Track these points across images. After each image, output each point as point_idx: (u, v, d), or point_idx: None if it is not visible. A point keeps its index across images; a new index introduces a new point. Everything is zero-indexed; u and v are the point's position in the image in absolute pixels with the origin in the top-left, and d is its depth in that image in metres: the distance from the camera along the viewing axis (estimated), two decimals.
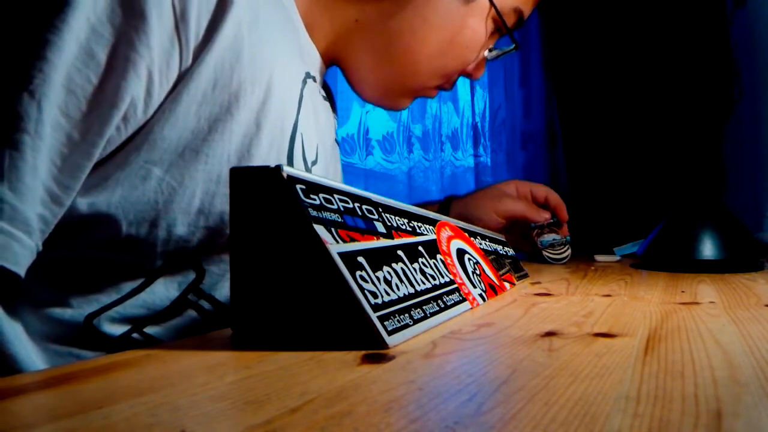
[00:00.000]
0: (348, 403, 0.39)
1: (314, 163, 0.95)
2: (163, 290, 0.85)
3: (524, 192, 1.56)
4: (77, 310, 0.83)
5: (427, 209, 1.46)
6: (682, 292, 0.98)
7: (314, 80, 1.03)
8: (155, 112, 0.79)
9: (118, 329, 0.84)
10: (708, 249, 1.35)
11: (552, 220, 1.59)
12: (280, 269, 0.58)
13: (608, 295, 0.94)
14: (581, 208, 2.58)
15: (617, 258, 1.73)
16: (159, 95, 0.78)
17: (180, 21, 0.77)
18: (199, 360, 0.54)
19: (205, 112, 0.82)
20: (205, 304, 0.87)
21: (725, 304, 0.84)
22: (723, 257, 1.34)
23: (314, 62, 1.07)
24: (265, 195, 0.58)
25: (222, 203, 0.83)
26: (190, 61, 0.80)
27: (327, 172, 1.04)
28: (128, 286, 0.84)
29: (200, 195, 0.82)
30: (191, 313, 0.87)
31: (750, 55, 2.18)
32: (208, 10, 0.80)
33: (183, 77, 0.80)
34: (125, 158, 0.79)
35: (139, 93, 0.76)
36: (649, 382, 0.44)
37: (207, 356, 0.55)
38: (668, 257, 1.40)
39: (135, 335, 0.85)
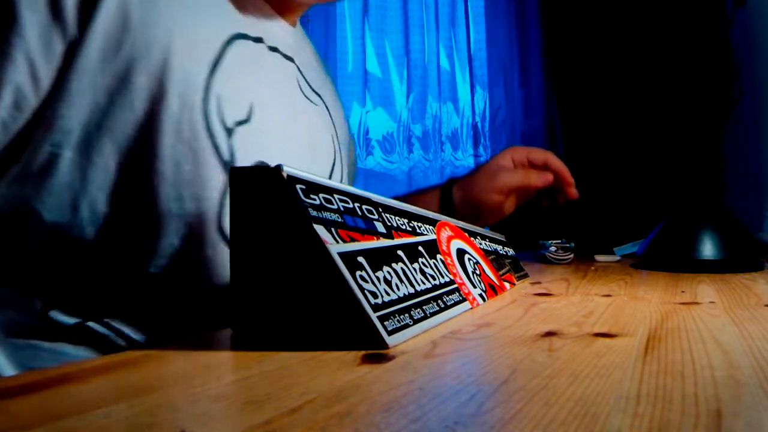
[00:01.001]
0: (348, 403, 0.39)
1: (242, 122, 0.92)
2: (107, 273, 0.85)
3: (521, 159, 1.48)
4: (29, 302, 0.83)
5: (427, 195, 1.45)
6: (682, 292, 0.98)
7: (257, 40, 1.01)
8: (50, 93, 0.80)
9: (71, 319, 0.84)
10: (708, 249, 1.35)
11: (560, 242, 1.59)
12: (280, 269, 0.58)
13: (608, 295, 0.94)
14: (581, 207, 2.58)
15: (617, 258, 1.73)
16: (47, 75, 0.79)
17: None
18: (198, 360, 0.54)
19: (101, 84, 0.81)
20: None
21: (725, 304, 0.84)
22: (723, 257, 1.34)
23: (257, 23, 1.04)
24: (265, 195, 0.58)
25: (142, 175, 0.83)
26: (75, 32, 0.79)
27: (277, 130, 1.00)
28: (72, 274, 0.84)
29: (115, 169, 0.82)
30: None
31: (750, 56, 2.18)
32: None
33: (72, 51, 0.80)
34: (33, 148, 0.80)
35: (21, 78, 0.77)
36: (649, 382, 0.44)
37: (207, 356, 0.56)
38: (668, 257, 1.40)
39: (91, 324, 0.84)
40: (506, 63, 2.73)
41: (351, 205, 0.66)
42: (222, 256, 0.86)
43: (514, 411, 0.38)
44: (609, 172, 2.60)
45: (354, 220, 0.64)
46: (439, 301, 0.72)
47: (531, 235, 1.83)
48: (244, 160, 0.89)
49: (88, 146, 0.81)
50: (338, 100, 1.37)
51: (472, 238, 1.01)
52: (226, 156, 0.87)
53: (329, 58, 2.54)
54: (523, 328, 0.66)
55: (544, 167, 1.50)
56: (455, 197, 1.43)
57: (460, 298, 0.79)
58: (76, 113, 0.80)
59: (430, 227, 0.85)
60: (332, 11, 2.56)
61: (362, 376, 0.47)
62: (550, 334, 0.63)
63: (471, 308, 0.80)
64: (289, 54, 1.10)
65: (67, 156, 0.80)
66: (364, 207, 0.68)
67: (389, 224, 0.72)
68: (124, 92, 0.81)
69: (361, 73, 2.58)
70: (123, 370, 0.51)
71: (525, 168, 1.47)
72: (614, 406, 0.39)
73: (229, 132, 0.89)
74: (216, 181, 0.86)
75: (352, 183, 1.37)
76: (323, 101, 1.20)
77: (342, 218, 0.62)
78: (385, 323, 0.57)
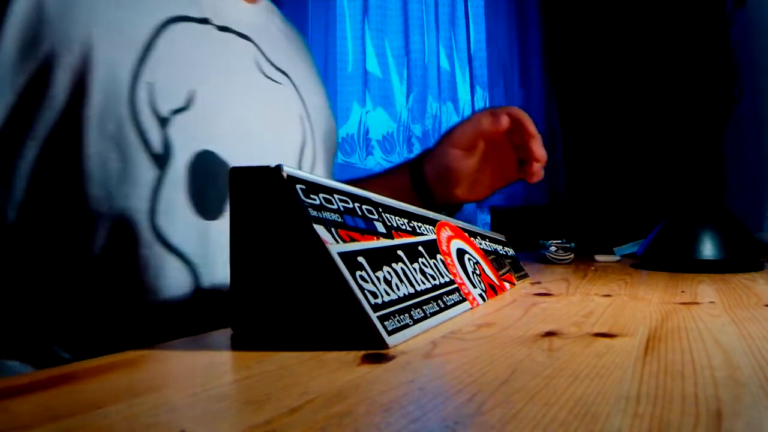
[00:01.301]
0: (348, 403, 0.39)
1: (180, 110, 0.88)
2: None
3: (482, 114, 1.41)
4: None
5: (395, 175, 1.39)
6: (682, 292, 0.98)
7: (202, 21, 0.97)
8: None
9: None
10: (708, 249, 1.35)
11: (560, 242, 1.59)
12: (280, 269, 0.58)
13: (608, 295, 0.94)
14: (581, 208, 2.58)
15: (617, 258, 1.73)
16: None
17: None
18: (198, 360, 0.54)
19: (19, 83, 0.80)
20: None
21: (725, 304, 0.84)
22: (723, 257, 1.34)
23: (204, 2, 0.99)
24: (265, 195, 0.58)
25: (68, 176, 0.81)
26: None
27: (227, 115, 0.96)
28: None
29: (39, 171, 0.81)
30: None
31: (750, 56, 2.18)
32: None
33: None
34: None
35: None
36: (649, 382, 0.44)
37: (207, 356, 0.56)
38: (668, 257, 1.40)
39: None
40: (506, 63, 2.74)
41: (351, 205, 0.66)
42: (157, 256, 0.85)
43: (514, 411, 0.38)
44: (609, 171, 2.60)
45: (354, 220, 0.64)
46: (439, 301, 0.72)
47: (531, 235, 1.83)
48: (183, 149, 0.87)
49: (10, 149, 0.80)
50: (315, 76, 1.32)
51: (472, 238, 1.01)
52: (157, 149, 0.85)
53: (329, 58, 2.55)
54: (523, 328, 0.66)
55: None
56: (426, 171, 1.33)
57: (460, 298, 0.79)
58: None
59: (430, 227, 0.85)
60: (332, 11, 2.56)
61: (362, 376, 0.47)
62: (550, 334, 0.63)
63: (471, 308, 0.80)
64: (245, 32, 1.06)
65: None
66: (364, 207, 0.68)
67: (389, 224, 0.72)
68: (44, 91, 0.80)
69: (361, 73, 2.59)
70: (123, 370, 0.51)
71: (482, 116, 1.31)
72: (614, 406, 0.39)
73: (164, 122, 0.86)
74: (146, 177, 0.84)
75: (331, 164, 1.34)
76: (290, 79, 1.15)
77: (342, 218, 0.62)
78: (385, 323, 0.57)
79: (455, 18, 2.76)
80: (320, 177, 0.63)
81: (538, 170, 1.28)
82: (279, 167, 0.57)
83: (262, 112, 1.03)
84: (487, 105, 2.74)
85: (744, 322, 0.70)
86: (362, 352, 0.54)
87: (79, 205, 0.81)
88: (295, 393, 0.42)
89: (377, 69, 2.64)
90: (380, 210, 0.72)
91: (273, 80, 1.09)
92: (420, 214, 0.84)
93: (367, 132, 2.58)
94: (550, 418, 0.37)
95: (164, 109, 0.86)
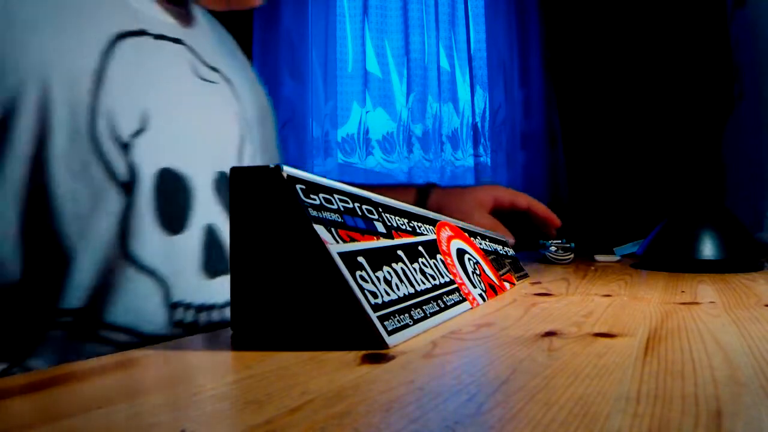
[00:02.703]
0: (348, 403, 0.39)
1: (138, 132, 0.87)
2: None
3: (503, 202, 1.51)
4: None
5: (403, 191, 1.43)
6: (682, 292, 0.98)
7: (139, 34, 0.93)
8: None
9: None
10: (708, 249, 1.35)
11: (560, 242, 1.59)
12: (280, 269, 0.58)
13: (608, 295, 0.94)
14: (581, 208, 2.58)
15: (617, 258, 1.73)
16: None
17: None
18: (199, 360, 0.54)
19: None
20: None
21: (725, 304, 0.84)
22: (723, 257, 1.34)
23: (137, 12, 0.96)
24: (265, 195, 0.58)
25: (41, 217, 0.81)
26: None
27: (181, 126, 0.95)
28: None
29: (14, 217, 0.80)
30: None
31: (750, 55, 2.17)
32: None
33: None
34: None
35: None
36: (649, 382, 0.44)
37: (207, 356, 0.56)
38: (668, 257, 1.40)
39: (15, 370, 0.82)
40: (506, 63, 2.74)
41: (351, 205, 0.66)
42: (134, 281, 0.85)
43: (514, 411, 0.38)
44: (609, 171, 2.61)
45: (354, 220, 0.64)
46: (439, 301, 0.72)
47: (531, 235, 1.83)
48: (146, 170, 0.87)
49: None
50: (245, 66, 1.31)
51: (472, 238, 1.01)
52: (123, 176, 0.84)
53: (329, 58, 2.55)
54: (523, 328, 0.66)
55: (527, 212, 1.53)
56: (431, 203, 1.42)
57: (460, 298, 0.79)
58: None
59: (430, 227, 0.85)
60: (332, 11, 2.56)
61: (362, 376, 0.47)
62: (550, 334, 0.63)
63: (471, 308, 0.80)
64: (176, 36, 1.02)
65: None
66: (364, 207, 0.68)
67: (389, 224, 0.72)
68: (8, 139, 0.79)
69: (361, 74, 2.59)
70: (123, 370, 0.51)
71: (496, 221, 1.47)
72: (614, 406, 0.39)
73: (126, 148, 0.86)
74: (114, 205, 0.84)
75: (277, 152, 1.34)
76: (222, 75, 1.12)
77: (342, 218, 0.62)
78: (385, 323, 0.57)
79: (455, 18, 2.75)
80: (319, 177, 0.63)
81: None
82: (279, 167, 0.57)
83: (202, 116, 1.02)
84: (488, 105, 2.74)
85: (744, 322, 0.70)
86: (362, 352, 0.54)
87: (56, 244, 0.81)
88: (295, 393, 0.42)
89: (377, 69, 2.64)
90: (380, 210, 0.72)
91: (207, 80, 1.07)
92: (420, 214, 0.84)
93: (367, 132, 2.58)
94: (550, 418, 0.37)
95: (126, 135, 0.86)
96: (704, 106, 2.44)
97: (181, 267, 0.90)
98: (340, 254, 0.57)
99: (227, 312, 0.89)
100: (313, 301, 0.57)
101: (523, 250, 1.66)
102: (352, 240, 0.61)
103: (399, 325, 0.59)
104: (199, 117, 1.00)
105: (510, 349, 0.56)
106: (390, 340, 0.56)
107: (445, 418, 0.37)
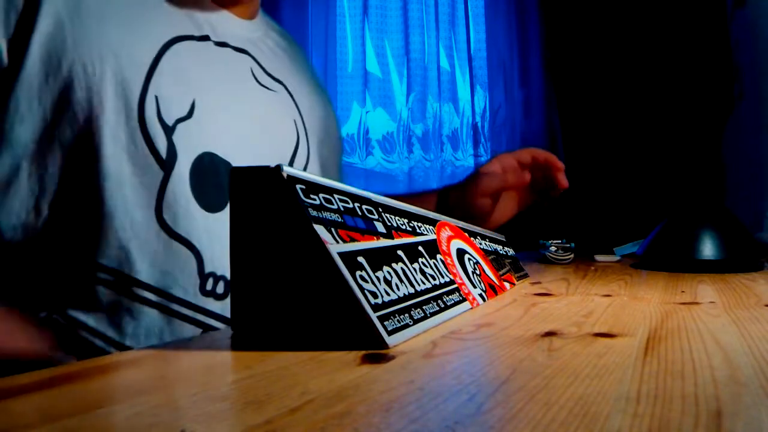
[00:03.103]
0: (348, 403, 0.39)
1: (183, 119, 0.99)
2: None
3: (508, 164, 1.47)
4: None
5: (425, 197, 1.46)
6: (682, 292, 0.98)
7: (201, 39, 1.09)
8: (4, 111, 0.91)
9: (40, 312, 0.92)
10: (708, 249, 1.35)
11: (560, 242, 1.59)
12: (280, 269, 0.58)
13: (608, 295, 0.94)
14: (581, 208, 2.58)
15: (617, 258, 1.73)
16: None
17: None
18: (199, 360, 0.54)
19: (47, 102, 0.92)
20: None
21: (725, 304, 0.84)
22: (723, 257, 1.34)
23: (203, 22, 1.11)
24: (265, 195, 0.58)
25: (88, 177, 0.92)
26: (5, 61, 0.91)
27: (224, 120, 1.07)
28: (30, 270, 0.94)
29: (63, 174, 0.92)
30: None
31: (750, 55, 2.17)
32: (16, 12, 0.92)
33: (8, 77, 0.91)
34: None
35: None
36: (649, 382, 0.44)
37: (207, 356, 0.56)
38: (668, 257, 1.40)
39: (56, 316, 0.91)
40: (506, 63, 2.73)
41: (351, 205, 0.66)
42: (164, 244, 0.94)
43: (514, 411, 0.38)
44: (609, 171, 2.60)
45: (354, 220, 0.64)
46: (439, 301, 0.72)
47: (531, 235, 1.83)
48: (185, 153, 0.97)
49: (42, 157, 0.92)
50: (312, 83, 1.41)
51: (472, 238, 1.01)
52: (163, 154, 0.95)
53: (329, 59, 2.54)
54: (523, 328, 0.66)
55: (535, 163, 1.50)
56: (451, 201, 1.45)
57: (460, 298, 0.79)
58: (30, 130, 0.91)
59: (430, 227, 0.85)
60: (332, 11, 2.56)
61: (362, 376, 0.47)
62: (550, 334, 0.63)
63: (471, 308, 0.80)
64: (241, 46, 1.18)
65: (25, 167, 0.92)
66: (364, 207, 0.68)
67: (389, 224, 0.72)
68: (67, 107, 0.92)
69: (361, 74, 2.59)
70: (124, 369, 0.51)
71: (509, 171, 1.46)
72: (614, 406, 0.39)
73: (170, 130, 0.96)
74: (153, 179, 0.95)
75: (334, 163, 1.42)
76: (285, 87, 1.25)
77: (342, 218, 0.62)
78: (385, 323, 0.57)
79: (455, 18, 2.75)
80: (318, 176, 0.63)
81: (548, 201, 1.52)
82: (279, 167, 0.57)
83: (257, 117, 1.13)
84: (488, 105, 2.74)
85: (744, 322, 0.70)
86: (362, 352, 0.54)
87: (98, 201, 0.92)
88: (295, 393, 0.42)
89: (377, 69, 2.63)
90: (380, 210, 0.72)
91: (267, 88, 1.20)
92: (420, 214, 0.84)
93: (367, 132, 2.58)
94: (550, 418, 0.37)
95: (170, 119, 0.97)
96: (704, 106, 2.44)
97: (216, 242, 0.98)
98: (340, 254, 0.57)
99: None
100: (313, 301, 0.57)
101: (523, 250, 1.66)
102: (352, 240, 0.61)
103: (399, 325, 0.59)
104: (253, 117, 1.12)
105: (510, 349, 0.56)
106: (390, 340, 0.56)
107: (445, 418, 0.37)
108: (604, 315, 0.75)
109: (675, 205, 1.60)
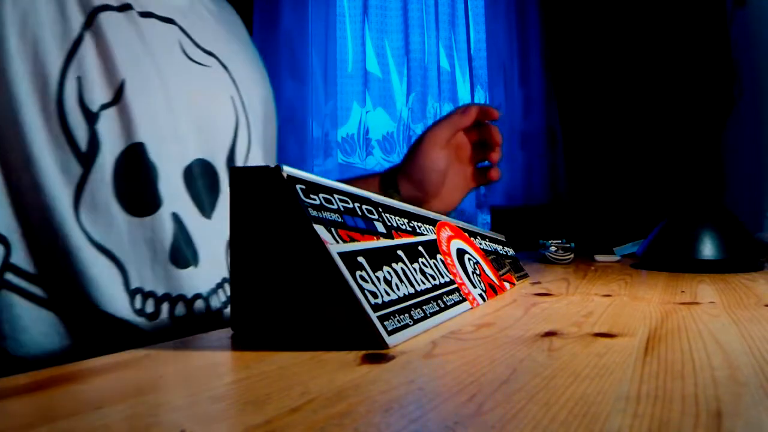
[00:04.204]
0: (348, 403, 0.39)
1: (108, 105, 0.87)
2: None
3: (450, 112, 1.40)
4: None
5: (368, 181, 1.39)
6: (682, 292, 0.98)
7: (123, 8, 0.93)
8: None
9: None
10: (708, 249, 1.35)
11: (560, 242, 1.59)
12: (281, 269, 0.58)
13: (608, 295, 0.94)
14: (581, 208, 2.58)
15: (617, 258, 1.73)
16: None
17: None
18: (198, 360, 0.54)
19: None
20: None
21: (725, 304, 0.84)
22: (723, 257, 1.34)
23: None
24: (265, 195, 0.58)
25: (13, 171, 0.83)
26: None
27: (155, 105, 0.93)
28: None
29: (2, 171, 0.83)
30: None
31: (750, 55, 2.18)
32: None
33: None
34: None
35: None
36: (649, 382, 0.44)
37: (207, 356, 0.56)
38: (668, 257, 1.40)
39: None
40: (506, 63, 2.74)
41: (351, 205, 0.66)
42: (84, 254, 0.84)
43: (514, 411, 0.38)
44: (609, 171, 2.61)
45: (354, 220, 0.64)
46: (439, 301, 0.72)
47: (531, 235, 1.83)
48: (111, 145, 0.87)
49: None
50: (252, 55, 1.28)
51: (472, 238, 1.01)
52: (83, 146, 0.85)
53: (329, 58, 2.55)
54: (523, 328, 0.66)
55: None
56: (402, 186, 1.36)
57: (460, 298, 0.79)
58: None
59: (430, 227, 0.85)
60: (332, 11, 2.57)
61: (362, 376, 0.47)
62: (550, 334, 0.63)
63: (471, 308, 0.80)
64: (168, 15, 1.01)
65: None
66: (364, 207, 0.68)
67: (389, 224, 0.72)
68: None
69: (362, 74, 2.59)
70: (123, 370, 0.51)
71: (453, 115, 1.38)
72: (614, 406, 0.39)
73: (94, 118, 0.86)
74: (71, 176, 0.84)
75: (272, 143, 1.29)
76: (218, 60, 1.10)
77: (342, 218, 0.62)
78: (385, 323, 0.57)
79: (455, 18, 2.76)
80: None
81: (496, 171, 1.41)
82: (279, 167, 0.57)
83: (189, 99, 0.99)
84: (488, 104, 2.75)
85: (744, 322, 0.70)
86: (362, 352, 0.54)
87: (16, 192, 0.83)
88: (294, 393, 0.42)
89: (377, 69, 2.64)
90: (380, 210, 0.72)
91: (199, 63, 1.05)
92: (420, 214, 0.84)
93: (367, 132, 2.58)
94: (550, 418, 0.37)
95: (94, 104, 0.86)
96: (704, 106, 2.44)
97: (144, 253, 0.88)
98: (340, 254, 0.57)
99: (197, 305, 0.89)
100: (313, 301, 0.57)
101: (523, 251, 1.67)
102: (352, 240, 0.61)
103: (399, 325, 0.59)
104: (185, 99, 0.98)
105: (510, 349, 0.56)
106: (390, 340, 0.56)
107: (445, 418, 0.37)
108: (604, 315, 0.75)
109: (675, 204, 1.60)
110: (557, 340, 0.60)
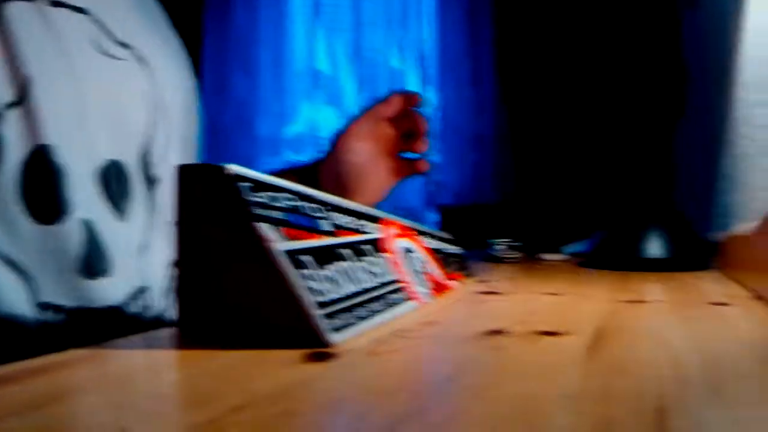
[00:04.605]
0: (292, 402, 0.39)
1: (13, 104, 0.82)
2: None
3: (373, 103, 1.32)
4: None
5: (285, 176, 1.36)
6: (629, 291, 0.98)
7: None
8: None
9: None
10: (655, 248, 1.36)
11: (508, 240, 1.60)
12: (225, 268, 0.58)
13: (555, 294, 0.94)
14: (529, 207, 2.59)
15: (565, 256, 1.74)
16: None
17: None
18: (143, 358, 0.54)
19: None
20: None
21: (672, 303, 0.85)
22: (670, 256, 1.35)
23: None
24: (209, 193, 0.58)
25: None
26: None
27: (62, 104, 0.87)
28: None
29: None
30: None
31: (701, 57, 2.20)
32: None
33: None
34: None
35: None
36: (593, 380, 0.44)
37: (152, 354, 0.55)
38: (616, 256, 1.41)
39: None
40: (457, 63, 2.75)
41: (297, 203, 0.65)
42: None
43: (458, 409, 0.38)
44: (558, 171, 2.62)
45: (299, 218, 0.64)
46: (385, 300, 0.72)
47: (479, 234, 1.83)
48: (16, 147, 0.81)
49: None
50: (174, 46, 1.17)
51: (418, 237, 1.01)
52: None
53: (279, 56, 2.54)
54: (469, 327, 0.67)
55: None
56: (323, 179, 1.27)
57: (406, 296, 0.79)
58: None
59: (376, 226, 0.85)
60: (283, 8, 2.56)
61: (306, 374, 0.46)
62: (495, 332, 0.63)
63: (417, 307, 0.80)
64: (81, 5, 0.93)
65: None
66: (310, 205, 0.68)
67: (335, 222, 0.72)
68: None
69: (311, 72, 2.59)
70: (64, 369, 0.50)
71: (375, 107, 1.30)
72: (558, 403, 0.39)
73: None
74: None
75: (196, 137, 1.20)
76: (134, 53, 1.01)
77: (287, 216, 0.61)
78: (330, 321, 0.57)
79: (407, 17, 2.76)
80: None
81: (422, 163, 1.33)
82: (223, 166, 0.57)
83: (101, 97, 0.92)
84: (437, 105, 2.75)
85: (690, 320, 0.71)
86: (307, 351, 0.54)
87: None
88: (238, 391, 0.41)
89: (327, 67, 2.64)
90: (326, 208, 0.72)
91: (113, 57, 0.97)
92: (366, 212, 0.84)
93: (315, 130, 2.58)
94: (494, 415, 0.37)
95: None
96: (655, 107, 2.46)
97: (52, 263, 0.83)
98: (284, 252, 0.56)
99: (111, 317, 0.87)
100: (258, 299, 0.57)
101: (471, 249, 1.67)
102: (297, 238, 0.60)
103: (344, 323, 0.59)
104: (95, 96, 0.92)
105: (455, 347, 0.57)
106: (334, 338, 0.56)
107: (388, 416, 0.37)
108: (550, 313, 0.76)
109: (623, 204, 1.62)
110: (502, 339, 0.60)
